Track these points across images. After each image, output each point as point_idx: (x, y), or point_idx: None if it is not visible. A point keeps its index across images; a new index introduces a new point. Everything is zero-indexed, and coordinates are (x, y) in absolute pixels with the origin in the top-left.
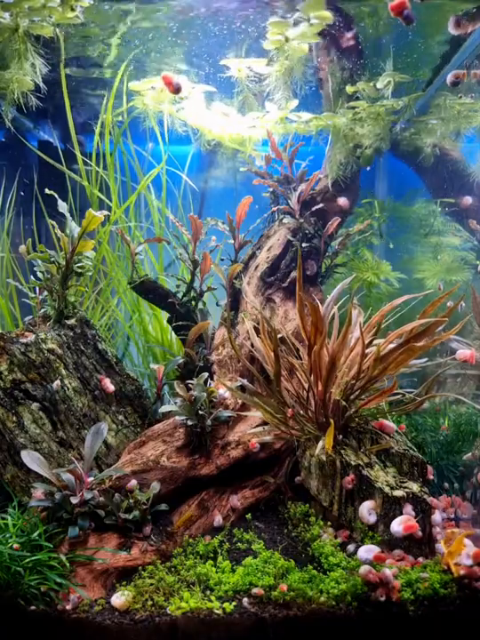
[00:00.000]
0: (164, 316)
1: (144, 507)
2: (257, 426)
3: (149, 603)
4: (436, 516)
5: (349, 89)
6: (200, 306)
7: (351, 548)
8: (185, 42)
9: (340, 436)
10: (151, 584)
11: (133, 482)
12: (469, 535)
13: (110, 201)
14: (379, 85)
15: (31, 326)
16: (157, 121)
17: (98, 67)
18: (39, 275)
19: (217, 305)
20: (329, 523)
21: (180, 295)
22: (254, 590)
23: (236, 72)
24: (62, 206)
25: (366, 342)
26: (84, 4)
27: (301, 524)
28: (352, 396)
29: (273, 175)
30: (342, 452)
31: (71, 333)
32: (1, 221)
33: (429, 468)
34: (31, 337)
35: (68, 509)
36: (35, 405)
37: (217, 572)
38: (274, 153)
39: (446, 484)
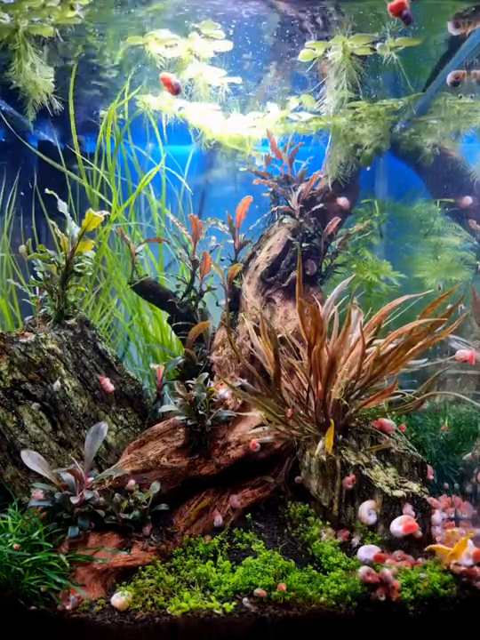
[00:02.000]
0: (164, 315)
1: (144, 507)
2: (257, 426)
3: (149, 603)
4: (436, 516)
5: (294, 100)
6: (200, 306)
7: (355, 541)
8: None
9: (340, 436)
10: (151, 584)
11: (132, 482)
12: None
13: (110, 200)
14: (326, 101)
15: (31, 326)
16: (157, 121)
17: (99, 66)
18: (39, 275)
19: (217, 305)
20: (329, 523)
21: (180, 295)
22: (256, 591)
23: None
24: (62, 206)
25: (366, 342)
26: (83, 3)
27: (301, 524)
28: (352, 396)
29: (273, 175)
30: (342, 452)
31: (71, 333)
32: (1, 221)
33: (429, 468)
34: (31, 337)
35: (67, 509)
36: (35, 405)
37: (217, 572)
38: (274, 153)
39: (446, 484)
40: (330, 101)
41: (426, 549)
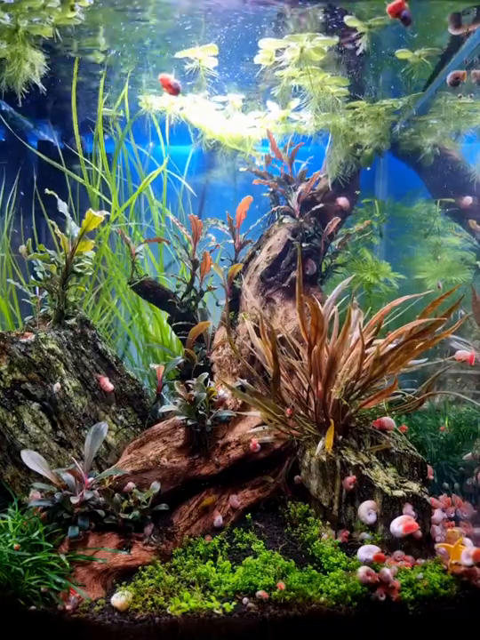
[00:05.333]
0: (164, 315)
1: (144, 507)
2: (257, 426)
3: (149, 603)
4: (436, 516)
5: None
6: (200, 306)
7: (365, 535)
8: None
9: (340, 436)
10: (151, 584)
11: (130, 484)
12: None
13: (110, 200)
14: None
15: (31, 326)
16: (159, 121)
17: (98, 66)
18: (39, 275)
19: (217, 305)
20: (329, 523)
21: (180, 295)
22: (259, 593)
23: (197, 62)
24: (62, 206)
25: (366, 342)
26: (83, 4)
27: (301, 524)
28: (352, 396)
29: (273, 175)
30: (342, 452)
31: (71, 333)
32: (1, 221)
33: (429, 468)
34: (31, 337)
35: (68, 509)
36: (35, 405)
37: (217, 572)
38: (274, 153)
39: (446, 484)
40: (309, 119)
41: (435, 547)
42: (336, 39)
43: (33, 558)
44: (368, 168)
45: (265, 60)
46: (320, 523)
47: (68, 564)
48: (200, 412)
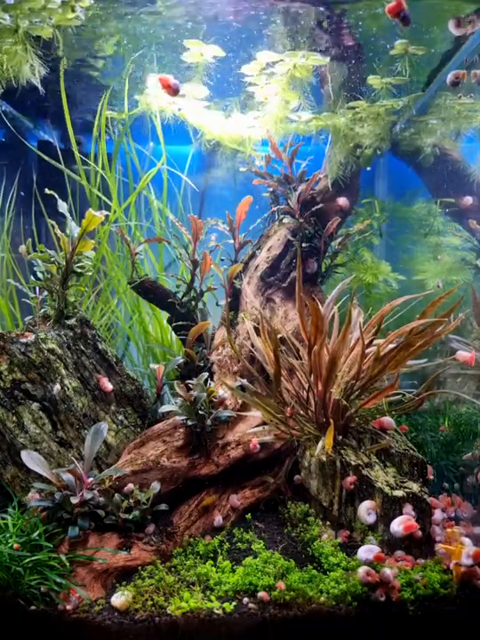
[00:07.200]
0: (164, 315)
1: (144, 507)
2: (257, 426)
3: (149, 603)
4: (436, 516)
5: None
6: (200, 306)
7: (371, 539)
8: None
9: (340, 436)
10: (151, 584)
11: (130, 485)
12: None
13: (110, 200)
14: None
15: (31, 326)
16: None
17: (96, 67)
18: (39, 275)
19: (217, 305)
20: (329, 523)
21: (180, 295)
22: (259, 594)
23: (196, 57)
24: (62, 206)
25: (366, 342)
26: (84, 4)
27: (301, 524)
28: (352, 396)
29: (273, 175)
30: (342, 451)
31: (71, 333)
32: (1, 221)
33: (429, 468)
34: (31, 337)
35: (68, 509)
36: (35, 405)
37: (217, 572)
38: (274, 153)
39: (446, 484)
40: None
41: (435, 548)
42: (327, 59)
43: (33, 558)
44: (368, 168)
45: (254, 70)
46: (320, 523)
47: (67, 564)
48: (200, 412)
